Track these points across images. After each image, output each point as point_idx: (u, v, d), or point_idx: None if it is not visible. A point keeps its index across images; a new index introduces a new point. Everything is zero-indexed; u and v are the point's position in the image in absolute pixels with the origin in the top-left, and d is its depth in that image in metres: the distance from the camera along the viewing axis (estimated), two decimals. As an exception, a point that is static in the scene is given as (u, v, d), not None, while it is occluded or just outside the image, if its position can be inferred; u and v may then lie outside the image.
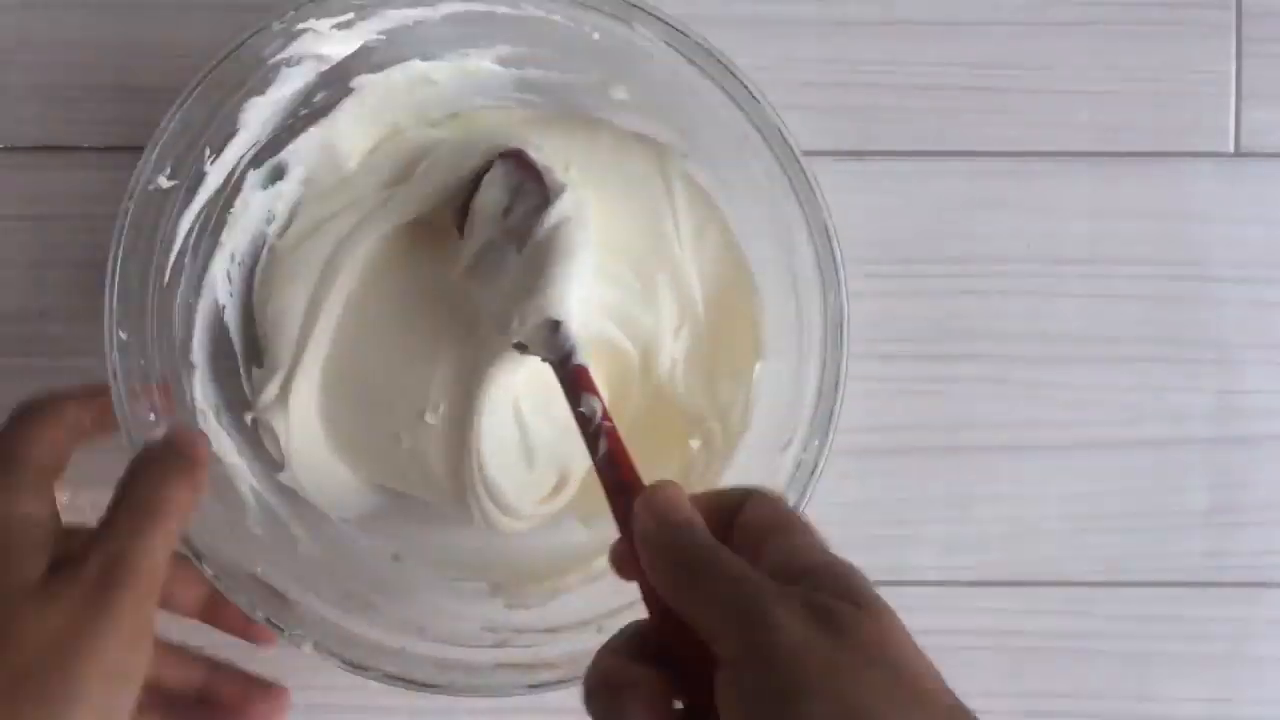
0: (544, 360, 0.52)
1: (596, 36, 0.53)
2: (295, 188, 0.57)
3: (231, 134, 0.54)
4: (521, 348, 0.53)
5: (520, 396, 0.56)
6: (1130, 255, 0.62)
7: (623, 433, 0.47)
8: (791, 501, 0.51)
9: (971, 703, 0.61)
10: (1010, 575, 0.61)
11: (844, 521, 0.61)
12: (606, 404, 0.48)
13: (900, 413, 0.61)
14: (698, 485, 0.56)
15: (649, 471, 0.45)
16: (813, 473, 0.53)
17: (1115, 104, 0.62)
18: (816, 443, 0.53)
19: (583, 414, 0.48)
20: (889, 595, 0.61)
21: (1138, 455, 0.62)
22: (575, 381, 0.50)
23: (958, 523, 0.62)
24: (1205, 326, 0.62)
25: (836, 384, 0.52)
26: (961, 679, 0.61)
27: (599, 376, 0.51)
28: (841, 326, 0.53)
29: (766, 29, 0.61)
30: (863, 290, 0.61)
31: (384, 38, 0.55)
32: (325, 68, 0.55)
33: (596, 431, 0.47)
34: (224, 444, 0.56)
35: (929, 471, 0.62)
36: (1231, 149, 0.62)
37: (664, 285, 0.57)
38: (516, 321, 0.52)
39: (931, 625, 0.61)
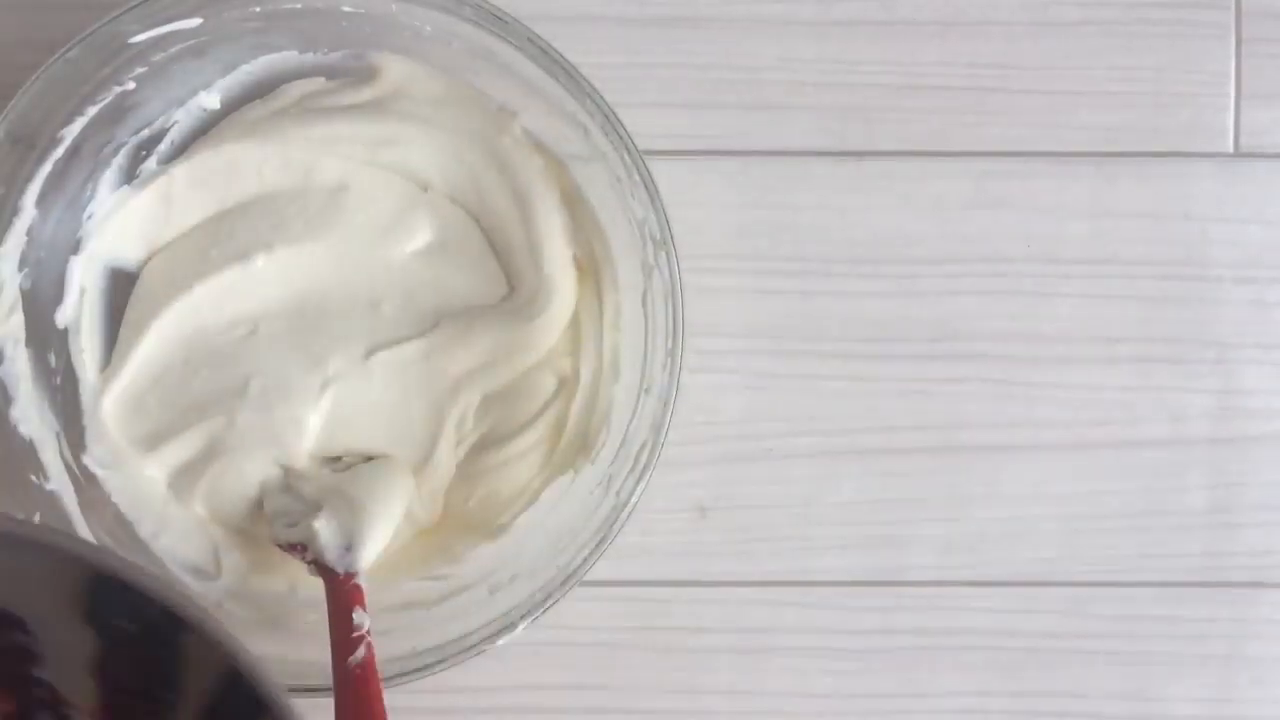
0: (319, 570, 0.54)
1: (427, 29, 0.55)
2: None
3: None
4: (293, 548, 0.55)
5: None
6: (1130, 255, 0.62)
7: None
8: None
9: (969, 702, 0.62)
10: (1008, 575, 0.62)
11: (843, 521, 0.61)
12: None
13: (899, 413, 0.61)
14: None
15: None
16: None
17: (1115, 104, 0.62)
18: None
19: (351, 622, 0.51)
20: (887, 595, 0.61)
21: (1137, 455, 0.62)
22: (351, 597, 0.52)
23: (956, 523, 0.62)
24: (1205, 326, 0.62)
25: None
26: (959, 679, 0.62)
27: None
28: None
29: (765, 29, 0.61)
30: (862, 290, 0.61)
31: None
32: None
33: (359, 640, 0.50)
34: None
35: (927, 471, 0.62)
36: (1231, 149, 0.62)
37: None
38: (315, 527, 0.54)
39: (929, 625, 0.62)
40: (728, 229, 0.61)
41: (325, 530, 0.54)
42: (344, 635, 0.51)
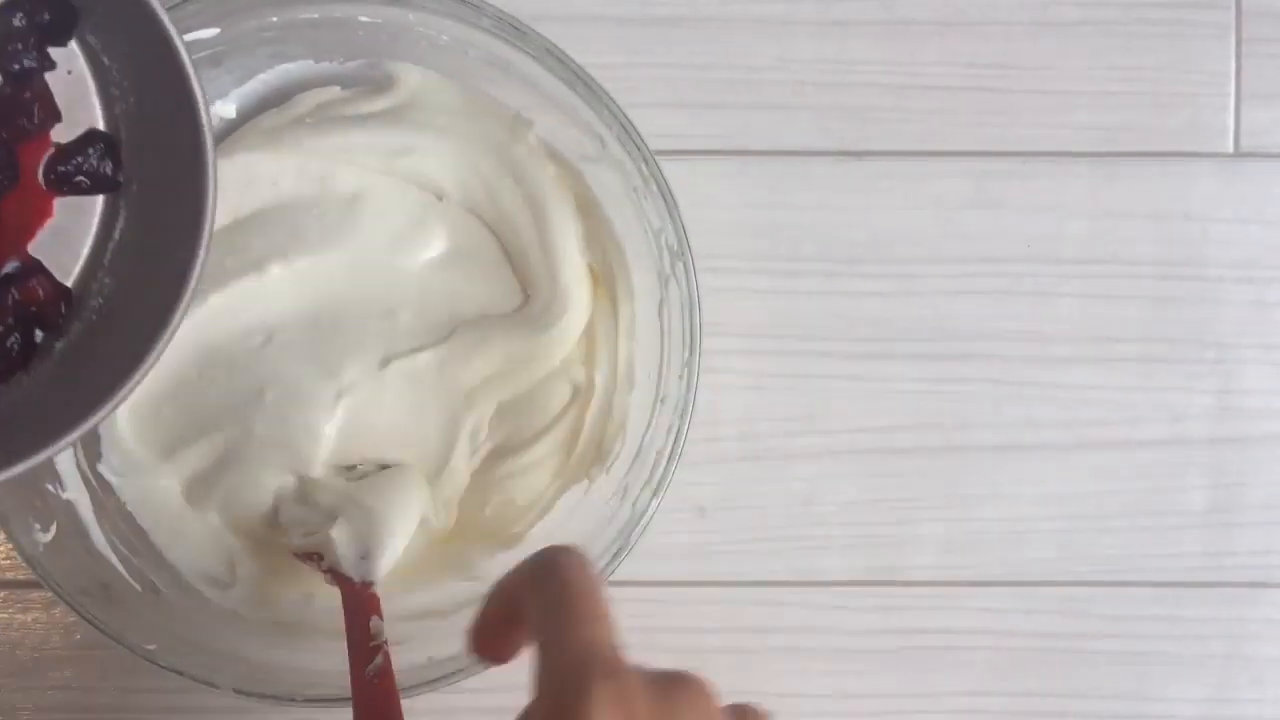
0: (335, 579, 0.54)
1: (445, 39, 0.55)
2: None
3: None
4: (310, 557, 0.55)
5: None
6: (1130, 255, 0.62)
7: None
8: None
9: (969, 702, 0.62)
10: (1008, 575, 0.62)
11: (843, 521, 0.61)
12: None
13: (900, 413, 0.61)
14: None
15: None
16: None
17: (1115, 104, 0.62)
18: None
19: (368, 631, 0.51)
20: (887, 595, 0.62)
21: (1137, 455, 0.62)
22: (368, 605, 0.52)
23: (956, 522, 0.62)
24: (1205, 326, 0.62)
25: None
26: (959, 679, 0.62)
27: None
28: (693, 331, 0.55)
29: (765, 29, 0.61)
30: (862, 290, 0.61)
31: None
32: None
33: (376, 649, 0.50)
34: None
35: (928, 471, 0.62)
36: (1231, 149, 0.62)
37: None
38: (332, 536, 0.54)
39: (929, 625, 0.62)
40: (727, 229, 0.61)
41: (342, 539, 0.54)
42: (361, 644, 0.50)
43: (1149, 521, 0.62)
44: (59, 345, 0.48)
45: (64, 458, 0.56)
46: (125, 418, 0.57)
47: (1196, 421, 0.62)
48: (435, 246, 0.58)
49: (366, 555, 0.54)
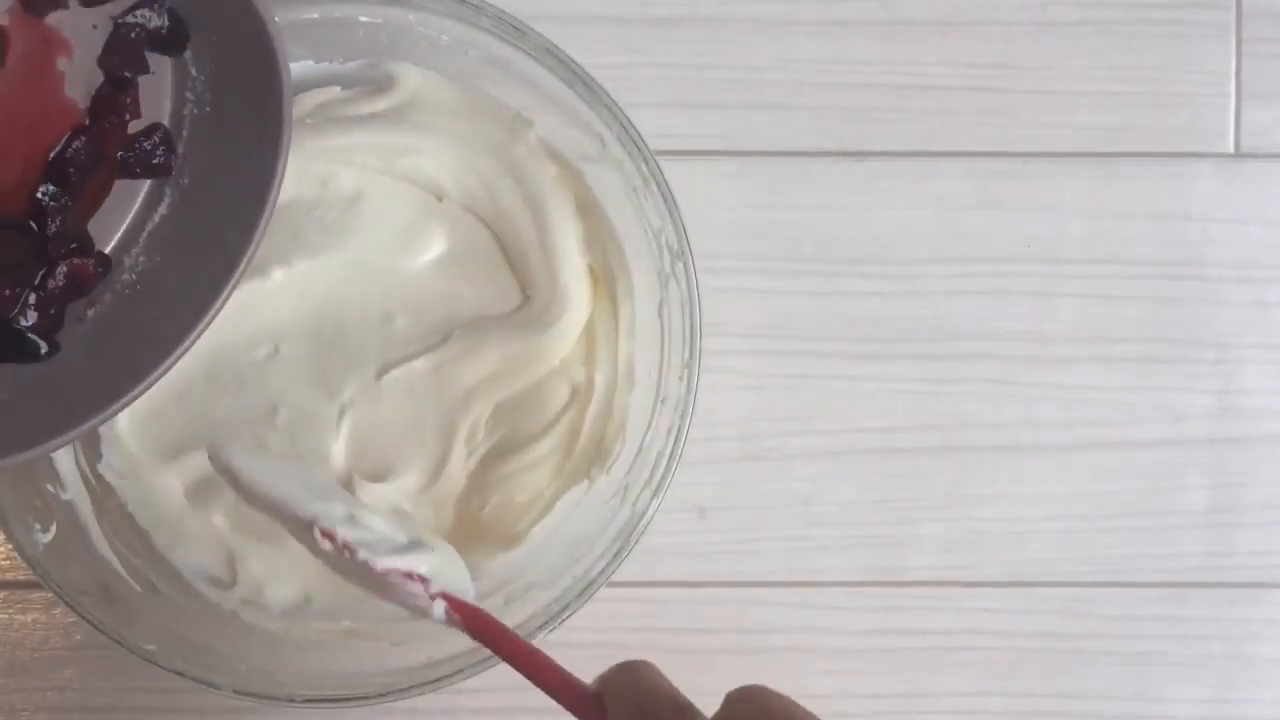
0: (454, 605, 0.49)
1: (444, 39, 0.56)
2: None
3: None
4: (408, 577, 0.50)
5: None
6: (1130, 255, 0.62)
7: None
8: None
9: (969, 703, 0.62)
10: (1008, 575, 0.62)
11: (843, 521, 0.61)
12: None
13: (900, 413, 0.61)
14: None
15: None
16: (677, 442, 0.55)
17: (1115, 104, 0.62)
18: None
19: (511, 633, 0.47)
20: (887, 595, 0.62)
21: (1137, 455, 0.62)
22: (488, 619, 0.47)
23: (956, 522, 0.62)
24: (1205, 326, 0.62)
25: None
26: (959, 679, 0.62)
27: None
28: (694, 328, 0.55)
29: (765, 29, 0.61)
30: (862, 290, 0.61)
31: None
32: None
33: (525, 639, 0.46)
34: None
35: (928, 471, 0.62)
36: (1231, 149, 0.62)
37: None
38: (439, 564, 0.49)
39: (929, 625, 0.62)
40: (727, 229, 0.61)
41: (447, 566, 0.49)
42: (514, 643, 0.46)
43: (1149, 521, 0.62)
44: (91, 313, 0.51)
45: (64, 457, 0.56)
46: (125, 418, 0.57)
47: (1196, 421, 0.62)
48: (435, 247, 0.58)
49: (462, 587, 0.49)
